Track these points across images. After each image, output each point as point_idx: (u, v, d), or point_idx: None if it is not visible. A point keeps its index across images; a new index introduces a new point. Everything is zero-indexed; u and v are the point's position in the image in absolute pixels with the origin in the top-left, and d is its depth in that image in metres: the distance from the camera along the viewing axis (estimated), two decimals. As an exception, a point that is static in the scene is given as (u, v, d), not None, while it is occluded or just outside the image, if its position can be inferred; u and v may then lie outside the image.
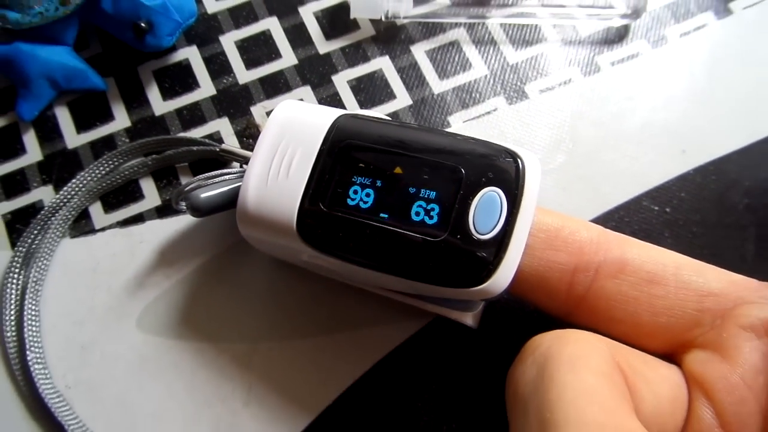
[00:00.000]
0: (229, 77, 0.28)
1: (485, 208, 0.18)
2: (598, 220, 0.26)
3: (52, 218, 0.25)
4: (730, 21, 0.30)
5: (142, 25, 0.25)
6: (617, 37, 0.29)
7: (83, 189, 0.25)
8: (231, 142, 0.27)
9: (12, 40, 0.26)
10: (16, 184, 0.26)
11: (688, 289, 0.18)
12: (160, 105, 0.27)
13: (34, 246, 0.24)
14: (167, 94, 0.28)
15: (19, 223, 0.26)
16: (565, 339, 0.16)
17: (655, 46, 0.29)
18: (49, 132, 0.27)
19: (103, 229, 0.26)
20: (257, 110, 0.27)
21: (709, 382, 0.17)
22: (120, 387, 0.24)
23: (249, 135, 0.27)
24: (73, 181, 0.25)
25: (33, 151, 0.27)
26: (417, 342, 0.24)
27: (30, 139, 0.27)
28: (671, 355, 0.18)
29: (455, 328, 0.24)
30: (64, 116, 0.27)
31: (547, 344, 0.16)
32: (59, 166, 0.26)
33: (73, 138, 0.27)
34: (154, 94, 0.28)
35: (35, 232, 0.25)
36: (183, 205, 0.23)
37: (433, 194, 0.18)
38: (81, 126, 0.27)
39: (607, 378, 0.15)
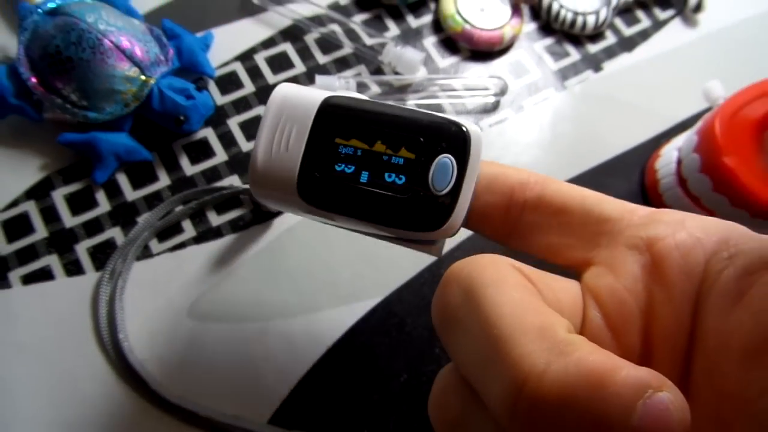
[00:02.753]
0: (235, 147, 0.41)
1: (441, 171, 0.22)
2: (485, 228, 0.40)
3: (129, 248, 0.37)
4: (565, 94, 0.45)
5: (181, 118, 0.38)
6: (492, 108, 0.44)
7: (149, 228, 0.37)
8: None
9: (89, 129, 0.38)
10: (94, 227, 0.38)
11: (589, 216, 0.21)
12: (189, 168, 0.40)
13: (116, 267, 0.37)
14: (194, 161, 0.40)
15: (99, 253, 0.38)
16: (481, 264, 0.18)
17: (517, 112, 0.44)
18: (114, 190, 0.39)
19: (159, 254, 0.38)
20: (256, 168, 0.41)
21: (597, 290, 0.20)
22: (179, 357, 0.36)
23: (252, 185, 0.40)
24: (141, 223, 0.38)
25: (103, 204, 0.39)
26: (381, 309, 0.37)
27: (101, 196, 0.39)
28: (577, 272, 0.21)
29: (413, 297, 0.37)
30: (123, 179, 0.40)
31: (467, 271, 0.18)
32: (123, 214, 0.39)
33: (130, 193, 0.39)
34: (185, 161, 0.40)
35: (117, 257, 0.37)
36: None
37: (401, 160, 0.22)
38: (136, 185, 0.39)
39: (526, 289, 0.18)
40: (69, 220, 0.38)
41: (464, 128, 0.22)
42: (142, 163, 0.40)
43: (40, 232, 0.38)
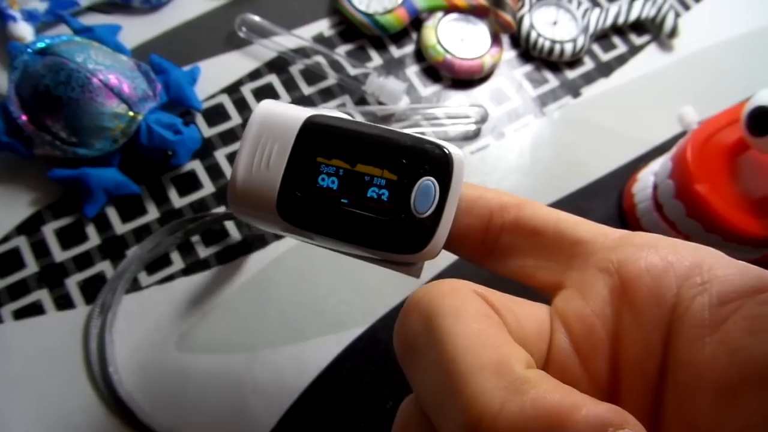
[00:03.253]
0: (223, 179, 0.42)
1: (423, 193, 0.22)
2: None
3: (118, 281, 0.38)
4: (544, 120, 0.47)
5: (169, 152, 0.39)
6: (473, 135, 0.45)
7: (137, 261, 0.38)
8: (228, 225, 0.41)
9: (79, 165, 0.39)
10: (84, 260, 0.39)
11: (563, 239, 0.21)
12: (177, 201, 0.41)
13: (106, 300, 0.37)
14: (182, 193, 0.41)
15: (89, 287, 0.38)
16: (442, 292, 0.18)
17: (498, 139, 0.45)
18: (103, 224, 0.40)
19: (148, 287, 0.39)
20: (243, 199, 0.41)
21: (566, 313, 0.19)
22: (169, 389, 0.36)
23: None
24: (129, 255, 0.39)
25: (93, 238, 0.40)
26: (365, 340, 0.38)
27: (91, 230, 0.40)
28: (550, 295, 0.21)
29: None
30: (113, 213, 0.40)
31: (427, 298, 0.18)
32: (112, 247, 0.39)
33: (120, 227, 0.40)
34: (173, 194, 0.41)
35: (107, 291, 0.37)
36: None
37: (383, 181, 0.22)
38: (125, 218, 0.40)
39: (486, 318, 0.17)
40: (59, 255, 0.39)
41: (447, 151, 0.22)
42: (131, 196, 0.41)
43: (31, 266, 0.39)
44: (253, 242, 0.40)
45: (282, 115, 0.23)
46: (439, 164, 0.22)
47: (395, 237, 0.22)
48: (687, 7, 0.52)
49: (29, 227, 0.40)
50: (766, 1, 0.53)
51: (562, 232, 0.21)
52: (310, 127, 0.22)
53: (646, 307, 0.18)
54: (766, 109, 0.36)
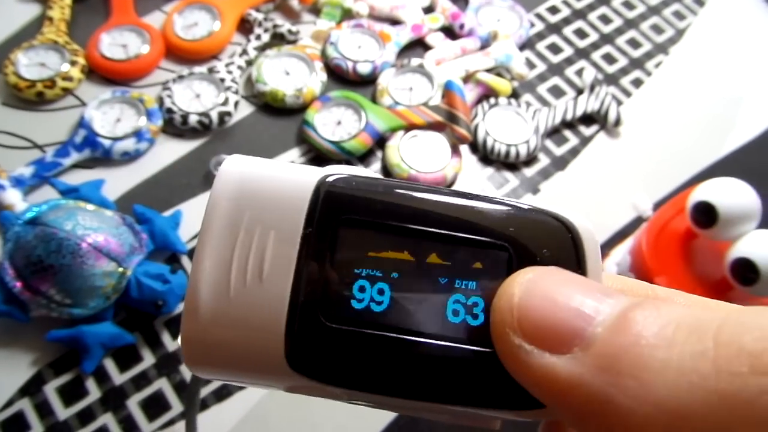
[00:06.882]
0: (212, 317, 0.44)
1: None
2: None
3: (120, 435, 0.39)
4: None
5: (159, 303, 0.41)
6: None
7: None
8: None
9: (76, 323, 0.41)
10: (86, 416, 0.40)
11: None
12: (171, 344, 0.43)
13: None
14: (175, 335, 0.43)
15: (93, 442, 0.40)
16: None
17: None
18: (102, 376, 0.42)
19: (150, 434, 0.40)
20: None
21: None
22: None
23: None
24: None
25: (94, 392, 0.41)
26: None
27: (91, 384, 0.42)
28: None
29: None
30: (110, 364, 0.42)
31: None
32: (113, 399, 0.41)
33: (118, 377, 0.42)
34: (166, 337, 0.43)
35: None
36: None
37: (473, 284, 0.14)
38: (123, 368, 0.42)
39: None
40: (62, 413, 0.41)
41: (569, 224, 0.15)
42: (127, 346, 0.43)
43: (36, 429, 0.40)
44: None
45: (273, 179, 0.14)
46: (562, 246, 0.14)
47: (508, 380, 0.13)
48: (628, 94, 0.57)
49: (31, 388, 0.41)
50: (698, 81, 0.57)
51: None
52: (331, 196, 0.14)
53: None
54: (707, 204, 0.39)
